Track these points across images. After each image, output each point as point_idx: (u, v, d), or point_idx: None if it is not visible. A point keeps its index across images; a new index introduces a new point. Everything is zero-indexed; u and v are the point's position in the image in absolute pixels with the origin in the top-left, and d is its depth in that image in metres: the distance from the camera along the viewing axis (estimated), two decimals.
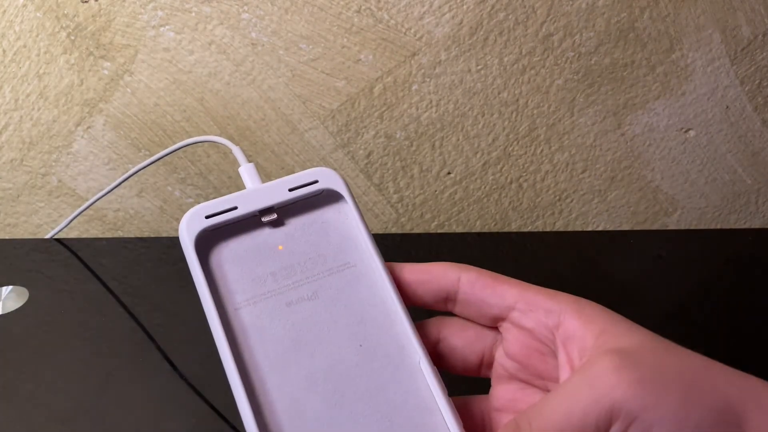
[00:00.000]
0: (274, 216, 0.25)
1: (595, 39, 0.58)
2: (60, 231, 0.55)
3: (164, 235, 0.66)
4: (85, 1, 0.55)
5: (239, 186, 0.63)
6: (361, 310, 0.25)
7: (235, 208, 0.25)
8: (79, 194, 0.64)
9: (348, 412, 0.22)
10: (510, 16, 0.57)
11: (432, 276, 0.25)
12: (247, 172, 0.29)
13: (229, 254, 0.25)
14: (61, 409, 0.37)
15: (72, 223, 0.65)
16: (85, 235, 0.66)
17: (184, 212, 0.73)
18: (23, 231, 0.66)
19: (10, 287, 0.48)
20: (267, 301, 0.24)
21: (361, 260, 0.26)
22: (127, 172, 0.63)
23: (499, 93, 0.60)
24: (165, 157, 0.62)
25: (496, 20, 0.57)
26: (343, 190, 0.26)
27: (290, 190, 0.26)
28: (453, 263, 0.25)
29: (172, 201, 0.64)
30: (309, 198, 0.26)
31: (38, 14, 0.56)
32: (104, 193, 0.52)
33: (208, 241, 0.25)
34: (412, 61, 0.58)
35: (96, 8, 0.56)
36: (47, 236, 0.55)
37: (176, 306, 0.47)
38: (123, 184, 0.63)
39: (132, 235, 0.66)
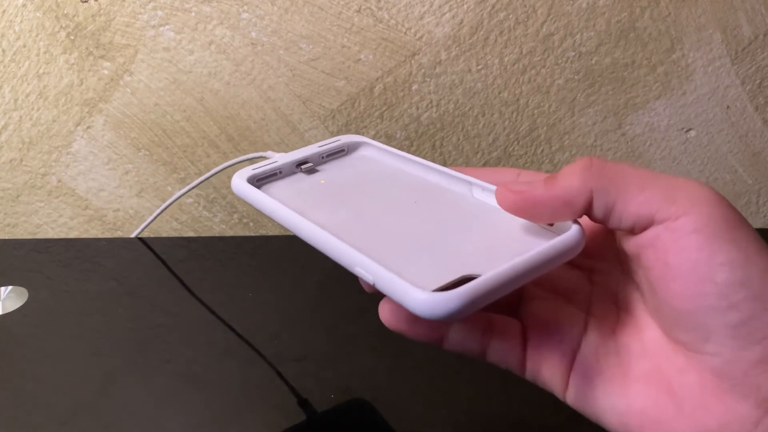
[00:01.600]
0: (310, 164, 0.30)
1: (596, 39, 0.58)
2: (143, 230, 0.54)
3: (164, 234, 0.66)
4: (85, 1, 0.55)
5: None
6: (409, 187, 0.28)
7: (275, 162, 0.29)
8: (78, 194, 0.64)
9: (427, 221, 0.25)
10: (510, 16, 0.57)
11: (491, 172, 0.27)
12: (278, 154, 0.33)
13: (280, 189, 0.29)
14: (61, 409, 0.37)
15: (72, 224, 0.65)
16: (85, 235, 0.66)
17: (183, 212, 0.73)
18: (23, 231, 0.66)
19: (10, 287, 0.48)
20: (325, 204, 0.27)
21: (399, 170, 0.30)
22: (127, 173, 0.63)
23: (499, 93, 0.60)
24: (165, 158, 0.62)
25: (496, 20, 0.57)
26: (364, 139, 0.31)
27: (319, 147, 0.31)
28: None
29: None
30: (337, 153, 0.31)
31: (38, 14, 0.56)
32: (188, 188, 0.52)
33: (258, 183, 0.29)
34: (413, 61, 0.58)
35: (96, 8, 0.56)
36: (132, 236, 0.55)
37: (176, 306, 0.46)
38: (122, 184, 0.63)
39: (132, 235, 0.66)
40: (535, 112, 0.61)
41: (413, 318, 0.22)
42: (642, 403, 0.21)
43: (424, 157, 0.62)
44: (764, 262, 0.19)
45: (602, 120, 0.61)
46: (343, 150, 0.31)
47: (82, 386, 0.39)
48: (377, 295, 0.24)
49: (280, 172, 0.29)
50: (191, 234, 0.66)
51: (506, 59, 0.58)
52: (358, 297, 0.46)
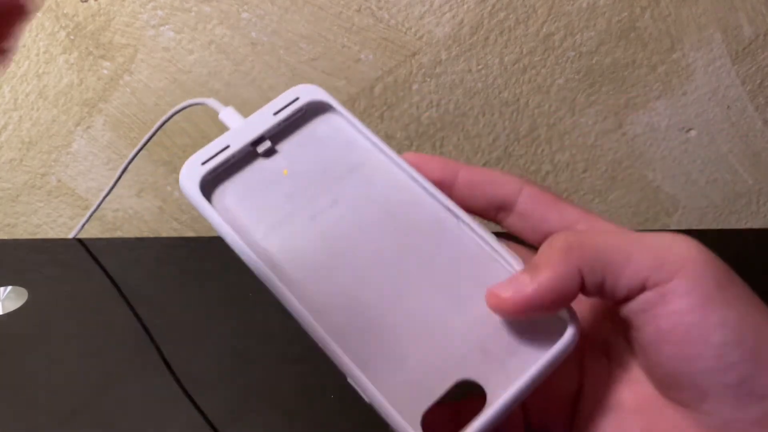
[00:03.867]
0: (268, 144, 0.25)
1: (596, 38, 0.58)
2: (80, 231, 0.55)
3: (164, 234, 0.66)
4: (85, 1, 0.55)
5: None
6: (385, 200, 0.24)
7: (227, 146, 0.25)
8: (78, 194, 0.64)
9: (411, 291, 0.22)
10: (511, 16, 0.56)
11: (492, 180, 0.24)
12: (228, 116, 0.28)
13: (237, 191, 0.24)
14: (61, 409, 0.37)
15: (71, 224, 0.65)
16: (84, 236, 0.66)
17: (183, 212, 0.73)
18: (23, 231, 0.66)
19: (10, 287, 0.48)
20: (290, 221, 0.24)
21: (367, 158, 0.25)
22: (127, 173, 0.63)
23: (499, 93, 0.60)
24: (164, 157, 0.62)
25: (496, 20, 0.57)
26: (327, 99, 0.26)
27: (275, 114, 0.25)
28: (514, 174, 0.24)
29: (172, 201, 0.64)
30: (296, 117, 0.26)
31: (38, 14, 0.56)
32: (108, 192, 0.52)
33: (212, 185, 0.24)
34: (413, 61, 0.58)
35: (95, 8, 0.56)
36: (70, 236, 0.55)
37: (176, 306, 0.46)
38: (121, 184, 0.63)
39: (131, 235, 0.66)
40: (536, 111, 0.61)
41: None
42: None
43: None
44: (757, 319, 0.19)
45: (603, 120, 0.61)
46: (301, 109, 0.26)
47: (82, 386, 0.39)
48: None
49: (234, 158, 0.25)
50: (191, 234, 0.66)
51: (506, 59, 0.58)
52: None
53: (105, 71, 0.58)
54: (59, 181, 0.63)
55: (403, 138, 0.61)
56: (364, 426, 0.36)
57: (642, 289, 0.20)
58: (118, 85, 0.59)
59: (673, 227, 0.67)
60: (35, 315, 0.45)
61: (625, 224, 0.68)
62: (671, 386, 0.21)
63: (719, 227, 0.67)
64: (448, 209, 0.24)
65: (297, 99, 0.25)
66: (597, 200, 0.65)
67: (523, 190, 0.24)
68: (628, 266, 0.20)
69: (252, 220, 0.23)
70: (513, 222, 0.24)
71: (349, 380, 0.21)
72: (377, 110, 0.60)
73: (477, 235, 0.23)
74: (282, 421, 0.37)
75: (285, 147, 0.25)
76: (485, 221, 0.25)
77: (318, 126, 0.26)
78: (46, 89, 0.59)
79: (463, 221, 0.23)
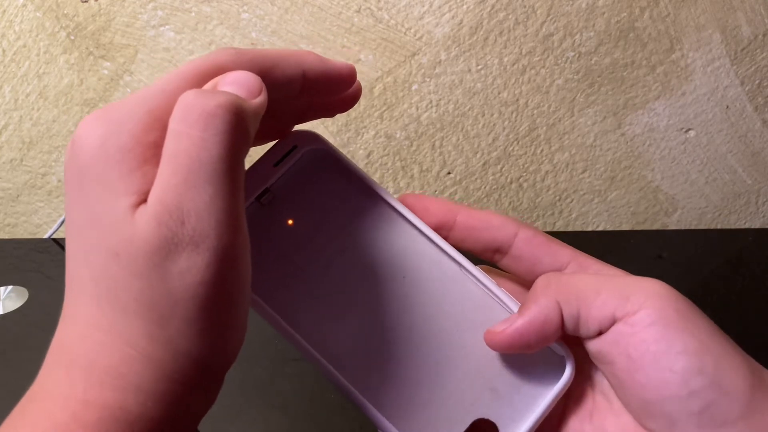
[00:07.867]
0: (272, 196, 0.25)
1: (596, 39, 0.58)
2: (57, 230, 0.55)
3: None
4: (85, 1, 0.55)
5: None
6: (390, 246, 0.25)
7: None
8: None
9: (422, 338, 0.24)
10: (510, 16, 0.57)
11: (490, 224, 0.25)
12: None
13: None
14: None
15: None
16: None
17: None
18: (23, 231, 0.66)
19: (10, 287, 0.48)
20: (300, 273, 0.24)
21: (369, 204, 0.26)
22: None
23: (499, 93, 0.60)
24: None
25: (496, 20, 0.57)
26: (325, 146, 0.26)
27: (275, 165, 0.25)
28: (510, 217, 0.26)
29: None
30: (296, 165, 0.25)
31: (38, 14, 0.56)
32: None
33: None
34: (412, 61, 0.58)
35: (96, 8, 0.56)
36: (45, 236, 0.55)
37: None
38: None
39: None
40: (535, 112, 0.61)
41: None
42: None
43: (423, 158, 0.62)
44: (718, 347, 0.21)
45: (602, 120, 0.61)
46: (300, 158, 0.26)
47: None
48: None
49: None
50: None
51: (506, 59, 0.58)
52: None
53: (105, 71, 0.58)
54: (60, 181, 0.63)
55: (403, 138, 0.61)
56: (364, 426, 0.36)
57: (612, 321, 0.22)
58: (119, 86, 0.59)
59: (672, 227, 0.67)
60: (35, 315, 0.46)
61: (624, 224, 0.68)
62: (644, 415, 0.22)
63: (718, 227, 0.67)
64: (450, 257, 0.25)
65: (295, 147, 0.25)
66: (596, 200, 0.65)
67: (518, 234, 0.25)
68: (597, 299, 0.22)
69: (263, 273, 0.24)
70: (508, 263, 0.26)
71: (379, 431, 0.22)
72: (377, 110, 0.60)
73: (479, 281, 0.24)
74: (282, 421, 0.37)
75: (287, 196, 0.25)
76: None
77: (317, 173, 0.26)
78: (47, 89, 0.59)
79: (465, 268, 0.25)
